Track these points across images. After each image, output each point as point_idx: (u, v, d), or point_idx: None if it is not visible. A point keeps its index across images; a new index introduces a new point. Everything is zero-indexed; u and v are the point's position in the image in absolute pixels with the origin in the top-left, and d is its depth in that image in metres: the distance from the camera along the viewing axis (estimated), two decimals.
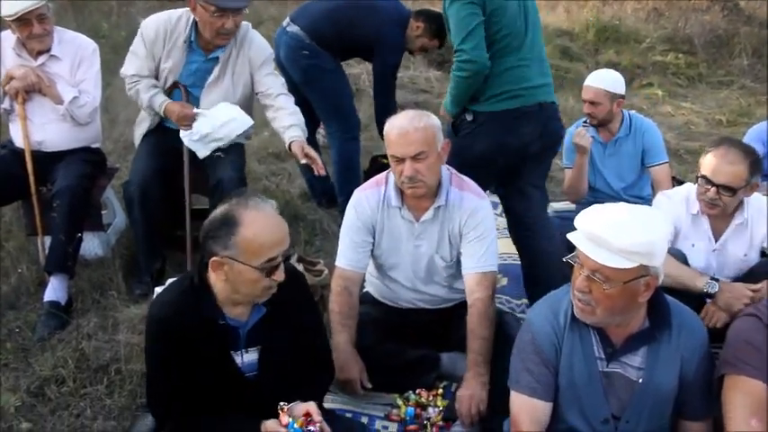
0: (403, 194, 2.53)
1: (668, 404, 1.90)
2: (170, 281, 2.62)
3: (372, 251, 2.62)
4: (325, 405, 2.14)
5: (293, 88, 3.48)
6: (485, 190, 2.74)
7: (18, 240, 3.49)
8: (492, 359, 2.41)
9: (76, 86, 3.24)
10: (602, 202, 1.90)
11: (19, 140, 3.23)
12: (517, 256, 3.18)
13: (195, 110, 3.15)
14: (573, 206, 3.77)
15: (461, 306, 2.67)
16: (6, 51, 3.20)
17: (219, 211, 1.84)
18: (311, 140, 3.64)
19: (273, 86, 3.22)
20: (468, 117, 2.93)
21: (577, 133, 3.45)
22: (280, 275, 1.84)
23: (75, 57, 3.25)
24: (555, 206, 4.29)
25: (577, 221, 1.81)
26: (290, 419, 1.82)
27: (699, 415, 1.93)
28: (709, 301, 2.56)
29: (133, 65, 3.20)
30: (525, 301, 3.17)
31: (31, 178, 3.17)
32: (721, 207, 2.58)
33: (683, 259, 2.62)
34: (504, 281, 3.25)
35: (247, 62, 3.20)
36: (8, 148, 3.30)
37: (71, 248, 3.04)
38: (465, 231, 2.52)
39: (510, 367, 2.01)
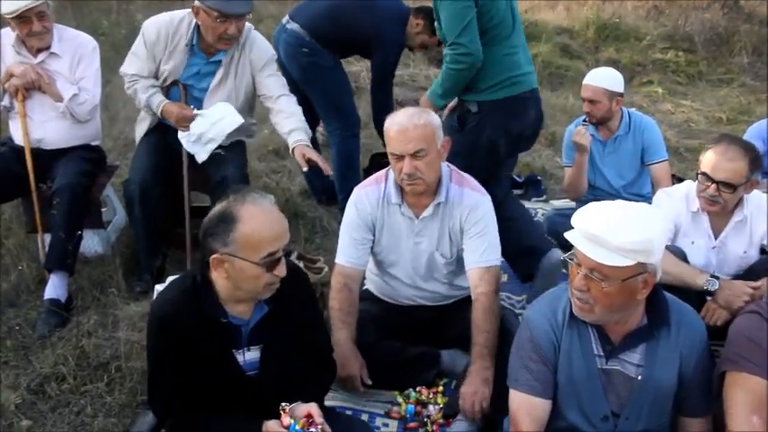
0: (403, 191, 2.53)
1: (668, 401, 1.90)
2: (170, 278, 2.62)
3: (372, 248, 2.63)
4: (326, 403, 2.13)
5: (293, 86, 3.47)
6: (490, 180, 2.76)
7: (18, 238, 3.49)
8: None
9: (76, 84, 3.24)
10: (603, 200, 1.90)
11: (19, 138, 3.23)
12: None
13: (195, 111, 3.15)
14: (573, 204, 3.77)
15: (461, 303, 2.68)
16: (6, 49, 3.19)
17: (217, 208, 1.84)
18: (311, 138, 3.63)
19: (274, 88, 3.21)
20: (473, 108, 3.00)
21: (577, 132, 3.45)
22: (281, 270, 1.84)
23: (74, 54, 3.25)
24: (555, 204, 4.30)
25: (574, 220, 1.80)
26: (292, 421, 1.82)
27: (698, 411, 1.93)
28: (709, 298, 2.56)
29: (133, 65, 3.20)
30: (526, 297, 3.18)
31: (31, 176, 3.17)
32: (721, 204, 2.58)
33: (682, 257, 2.62)
34: (505, 277, 3.25)
35: (249, 65, 3.20)
36: (8, 146, 3.30)
37: (71, 246, 3.04)
38: (466, 227, 2.53)
39: (509, 365, 2.01)
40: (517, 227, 3.08)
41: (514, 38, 3.03)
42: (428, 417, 2.44)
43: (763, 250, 2.70)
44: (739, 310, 2.28)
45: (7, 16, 3.04)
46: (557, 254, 3.03)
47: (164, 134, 3.27)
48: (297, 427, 1.81)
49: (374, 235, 2.60)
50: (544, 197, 4.49)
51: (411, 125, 2.39)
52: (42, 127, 3.23)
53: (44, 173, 3.20)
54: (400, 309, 2.72)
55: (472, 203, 2.52)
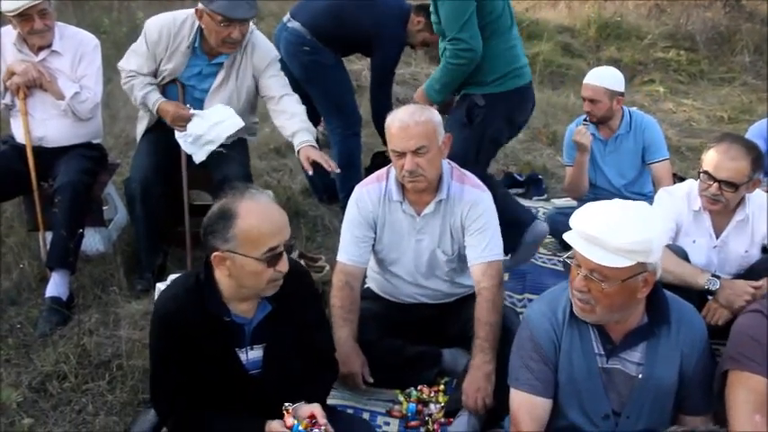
0: (404, 189, 2.54)
1: (668, 399, 1.90)
2: (171, 277, 2.63)
3: (374, 246, 2.63)
4: (327, 401, 2.14)
5: (294, 84, 3.47)
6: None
7: (19, 236, 3.49)
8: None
9: (78, 82, 3.24)
10: (604, 200, 1.89)
11: (20, 136, 3.23)
12: None
13: (192, 111, 3.14)
14: (574, 203, 3.77)
15: (463, 301, 2.68)
16: (7, 47, 3.19)
17: (217, 205, 1.84)
18: None
19: (276, 89, 3.20)
20: (480, 102, 3.08)
21: (577, 131, 3.45)
22: (283, 266, 1.83)
23: (76, 52, 3.25)
24: (556, 202, 4.30)
25: (572, 221, 1.80)
26: (295, 421, 1.82)
27: (699, 410, 1.93)
28: (710, 298, 2.56)
29: (132, 61, 3.19)
30: (527, 296, 3.18)
31: (33, 174, 3.17)
32: (723, 203, 2.57)
33: (684, 256, 2.62)
34: (506, 276, 3.25)
35: (251, 67, 3.19)
36: (9, 144, 3.30)
37: (72, 244, 3.04)
38: (467, 224, 2.53)
39: (509, 365, 2.01)
40: (498, 201, 3.11)
41: (513, 30, 3.14)
42: (429, 415, 2.43)
43: (764, 249, 2.70)
44: (740, 310, 2.28)
45: (9, 14, 3.04)
46: (540, 225, 3.16)
47: (164, 132, 3.26)
48: (300, 428, 1.81)
49: (375, 233, 2.60)
50: (545, 196, 4.49)
51: (412, 122, 2.40)
52: (44, 125, 3.23)
53: (45, 171, 3.20)
54: (402, 307, 2.72)
55: (473, 200, 2.53)
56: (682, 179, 3.48)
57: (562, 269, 3.37)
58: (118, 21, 6.97)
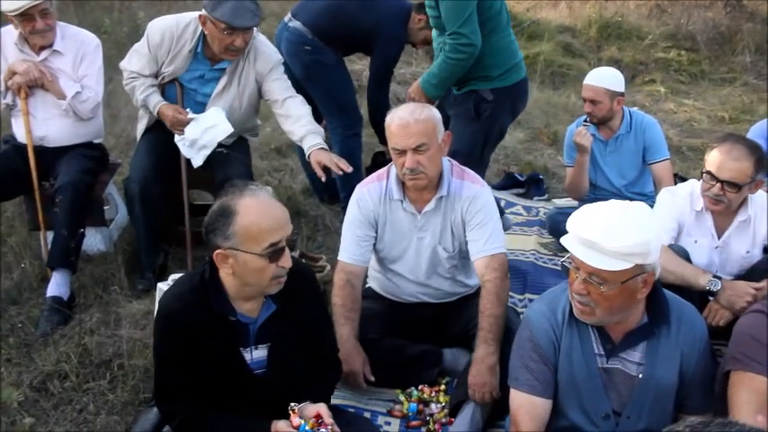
0: (404, 187, 2.54)
1: (669, 399, 1.90)
2: (172, 276, 2.62)
3: (375, 245, 2.63)
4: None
5: (295, 84, 3.47)
6: None
7: (20, 236, 3.49)
8: None
9: (79, 82, 3.24)
10: (605, 200, 1.89)
11: (21, 136, 3.24)
12: (519, 251, 3.20)
13: (190, 115, 3.13)
14: (575, 203, 3.77)
15: (464, 300, 2.68)
16: (9, 46, 3.20)
17: (217, 204, 1.84)
18: None
19: (279, 92, 3.18)
20: (488, 97, 3.16)
21: (578, 132, 3.44)
22: (286, 261, 1.83)
23: (77, 52, 3.25)
24: (557, 202, 4.30)
25: (569, 224, 1.79)
26: (302, 421, 1.82)
27: (699, 409, 1.92)
28: (711, 298, 2.56)
29: (135, 63, 3.19)
30: (528, 296, 3.18)
31: (34, 173, 3.17)
32: (725, 203, 2.57)
33: (685, 256, 2.61)
34: None
35: (254, 72, 3.18)
36: (10, 144, 3.31)
37: (73, 244, 3.05)
38: (467, 219, 2.53)
39: (509, 365, 2.02)
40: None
41: (509, 25, 3.25)
42: (430, 415, 2.43)
43: (765, 250, 2.70)
44: (742, 311, 2.28)
45: (10, 14, 3.04)
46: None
47: (164, 132, 3.25)
48: (306, 428, 1.81)
49: (377, 232, 2.60)
50: (546, 196, 4.49)
51: (412, 120, 2.40)
52: (45, 124, 3.23)
53: (47, 170, 3.21)
54: (403, 306, 2.72)
55: (472, 195, 2.53)
56: (683, 179, 3.48)
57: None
58: (119, 21, 6.97)
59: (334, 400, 2.35)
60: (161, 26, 3.12)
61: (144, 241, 3.25)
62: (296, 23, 3.74)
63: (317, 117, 3.96)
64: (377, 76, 3.94)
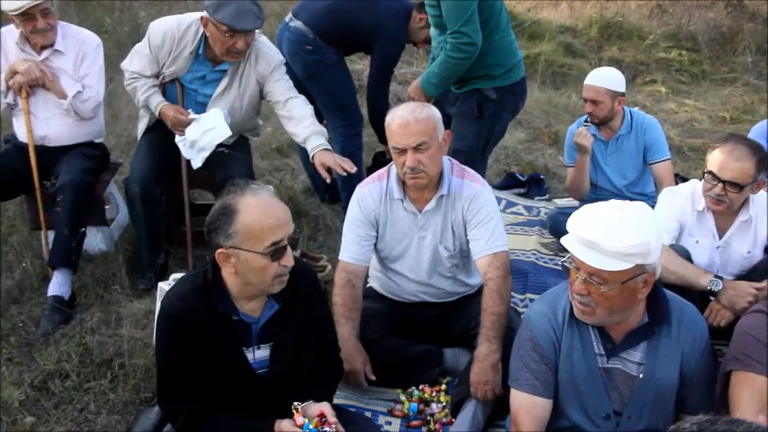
0: (405, 186, 2.54)
1: (669, 399, 1.90)
2: (173, 276, 2.62)
3: (376, 245, 2.63)
4: None
5: (296, 83, 3.48)
6: None
7: (22, 235, 3.49)
8: None
9: (80, 81, 3.24)
10: (606, 200, 1.89)
11: (22, 135, 3.24)
12: (520, 251, 3.20)
13: (191, 116, 3.13)
14: (576, 203, 3.77)
15: (465, 300, 2.68)
16: (10, 46, 3.20)
17: (218, 203, 1.84)
18: None
19: (281, 93, 3.18)
20: (492, 95, 3.21)
21: (578, 133, 3.44)
22: (288, 260, 1.83)
23: (78, 51, 3.25)
24: (558, 202, 4.30)
25: (569, 225, 1.79)
26: (306, 420, 1.82)
27: (700, 409, 1.91)
28: (712, 298, 2.56)
29: (136, 63, 3.18)
30: (529, 295, 3.17)
31: (35, 173, 3.18)
32: (727, 203, 2.57)
33: (686, 256, 2.61)
34: None
35: (255, 74, 3.18)
36: (12, 143, 3.31)
37: (75, 243, 3.05)
38: (468, 218, 2.53)
39: (510, 365, 2.02)
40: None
41: (509, 25, 3.29)
42: (431, 415, 2.43)
43: (767, 250, 2.70)
44: (743, 311, 2.28)
45: (11, 13, 3.04)
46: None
47: (165, 131, 3.25)
48: (310, 427, 1.81)
49: (377, 231, 2.60)
50: (547, 196, 4.49)
51: (413, 119, 2.40)
52: (46, 124, 3.23)
53: (48, 170, 3.21)
54: (404, 306, 2.72)
55: (472, 194, 2.53)
56: (684, 179, 3.47)
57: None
58: (120, 20, 6.97)
59: (335, 400, 2.35)
60: (162, 27, 3.11)
61: (145, 241, 3.25)
62: (297, 23, 3.74)
63: (318, 116, 3.97)
64: (377, 75, 3.94)
